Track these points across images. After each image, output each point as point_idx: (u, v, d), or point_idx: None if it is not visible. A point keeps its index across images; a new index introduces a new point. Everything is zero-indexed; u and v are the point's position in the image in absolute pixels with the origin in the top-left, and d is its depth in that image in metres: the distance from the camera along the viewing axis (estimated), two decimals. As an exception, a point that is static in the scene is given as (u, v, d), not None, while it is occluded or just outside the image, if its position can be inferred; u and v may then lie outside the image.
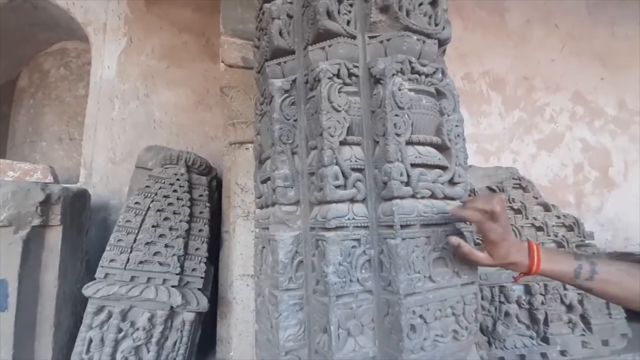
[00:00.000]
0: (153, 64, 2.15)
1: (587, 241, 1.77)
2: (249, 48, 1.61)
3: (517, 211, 1.70)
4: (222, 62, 1.60)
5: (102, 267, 1.42)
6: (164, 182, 1.55)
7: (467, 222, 0.75)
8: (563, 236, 1.71)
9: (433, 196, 0.75)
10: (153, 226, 1.47)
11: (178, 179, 1.57)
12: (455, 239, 0.70)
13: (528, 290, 1.59)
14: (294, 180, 0.82)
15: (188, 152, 1.68)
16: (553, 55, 2.73)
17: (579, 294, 1.60)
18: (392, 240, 0.69)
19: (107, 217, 1.95)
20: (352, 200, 0.75)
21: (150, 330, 1.38)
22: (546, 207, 1.80)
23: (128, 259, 1.42)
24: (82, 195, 1.66)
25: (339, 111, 0.74)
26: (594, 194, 2.60)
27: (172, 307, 1.41)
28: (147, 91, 2.13)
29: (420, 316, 0.68)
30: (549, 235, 1.72)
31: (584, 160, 2.64)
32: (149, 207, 1.49)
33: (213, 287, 1.75)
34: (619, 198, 2.61)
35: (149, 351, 1.38)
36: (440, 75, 0.81)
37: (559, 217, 1.79)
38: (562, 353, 1.52)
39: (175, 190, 1.54)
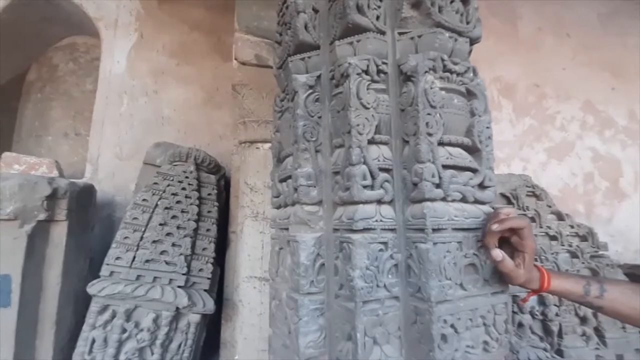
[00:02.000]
0: (163, 61, 2.13)
1: (600, 252, 1.74)
2: (263, 46, 1.59)
3: (531, 219, 1.67)
4: (235, 59, 1.57)
5: (108, 264, 1.38)
6: (172, 180, 1.52)
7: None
8: (577, 246, 1.68)
9: (464, 199, 0.71)
10: (160, 224, 1.43)
11: (187, 177, 1.53)
12: (498, 253, 0.65)
13: (542, 301, 1.55)
14: (317, 179, 0.78)
15: (197, 149, 1.65)
16: (564, 63, 2.71)
17: (593, 306, 1.56)
18: (423, 245, 0.65)
19: (112, 214, 1.91)
20: (379, 202, 0.71)
21: (155, 332, 1.34)
22: (560, 216, 1.76)
23: (134, 257, 1.39)
24: (88, 191, 1.62)
25: (367, 108, 0.72)
26: (604, 204, 2.56)
27: (177, 308, 1.37)
28: (157, 87, 2.11)
29: (452, 325, 0.64)
30: (563, 245, 1.68)
31: (594, 170, 2.61)
32: (156, 205, 1.46)
33: (218, 289, 1.71)
34: (630, 209, 2.58)
35: (152, 353, 1.34)
36: (471, 74, 0.78)
37: (572, 227, 1.75)
38: (576, 366, 1.48)
39: (183, 188, 1.51)
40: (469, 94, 0.78)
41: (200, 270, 1.49)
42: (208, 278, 1.50)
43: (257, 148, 1.66)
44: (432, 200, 0.67)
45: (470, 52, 0.89)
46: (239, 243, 1.66)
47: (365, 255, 0.67)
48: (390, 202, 0.73)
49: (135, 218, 1.44)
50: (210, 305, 1.44)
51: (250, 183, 1.65)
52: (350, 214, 0.69)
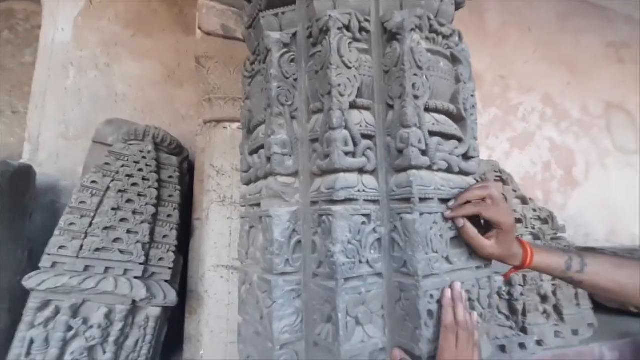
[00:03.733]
0: (116, 31, 1.91)
1: (559, 234, 1.83)
2: (230, 15, 1.46)
3: (499, 203, 1.70)
4: (199, 28, 1.44)
5: (49, 254, 1.21)
6: (127, 160, 1.36)
7: None
8: (540, 228, 1.75)
9: (449, 169, 0.67)
10: (113, 209, 1.28)
11: (144, 157, 1.38)
12: (460, 219, 0.63)
13: (508, 281, 1.60)
14: (293, 148, 0.71)
15: (156, 127, 1.50)
16: (526, 57, 2.82)
17: (553, 284, 1.64)
18: (409, 216, 0.60)
19: (57, 200, 1.70)
20: (361, 171, 0.65)
21: (107, 328, 1.20)
22: (524, 200, 1.83)
23: (82, 246, 1.23)
24: (25, 173, 1.42)
25: (349, 68, 0.65)
26: (559, 191, 2.72)
27: (134, 302, 1.23)
28: (109, 60, 1.89)
29: (438, 301, 0.60)
30: (527, 228, 1.74)
31: (551, 159, 2.76)
32: (108, 187, 1.30)
33: (182, 280, 1.58)
34: (581, 197, 2.76)
35: (105, 352, 1.20)
36: (456, 39, 0.74)
37: (535, 210, 1.82)
38: (539, 343, 1.54)
39: (140, 170, 1.36)
40: (454, 60, 0.73)
41: (161, 259, 1.35)
42: (169, 268, 1.36)
43: (224, 128, 1.54)
44: (419, 168, 0.62)
45: (454, 16, 0.85)
46: (204, 230, 1.54)
47: (347, 228, 0.61)
48: (373, 172, 0.67)
49: (82, 202, 1.27)
50: (172, 297, 1.32)
51: (217, 165, 1.53)
52: (331, 183, 0.63)
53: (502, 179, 1.82)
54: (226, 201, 1.51)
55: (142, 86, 1.91)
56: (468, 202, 0.62)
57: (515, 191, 1.82)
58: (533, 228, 1.74)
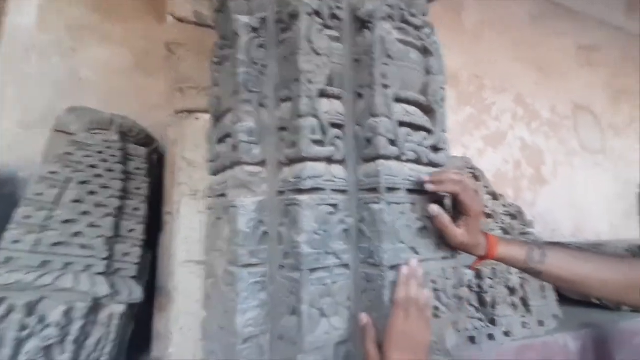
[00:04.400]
0: (83, 15, 1.80)
1: (528, 230, 1.90)
2: (203, 2, 1.41)
3: (471, 198, 1.74)
4: (171, 14, 1.37)
5: (2, 249, 1.13)
6: (90, 150, 1.28)
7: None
8: (509, 223, 1.80)
9: (418, 160, 0.67)
10: (74, 201, 1.21)
11: (109, 147, 1.31)
12: (435, 207, 0.63)
13: (478, 274, 1.64)
14: (261, 136, 0.68)
15: (123, 117, 1.43)
16: (500, 57, 2.90)
17: (520, 277, 1.69)
18: (377, 205, 0.60)
19: (15, 192, 1.59)
20: (329, 160, 0.64)
21: (67, 327, 1.14)
22: (494, 196, 1.88)
23: (38, 240, 1.15)
24: (-23, 162, 1.32)
25: (319, 55, 0.63)
26: (529, 189, 2.82)
27: (96, 299, 1.17)
28: (74, 45, 1.77)
29: (403, 291, 0.59)
30: (497, 222, 1.80)
31: (522, 158, 2.85)
32: (69, 179, 1.23)
33: (151, 276, 1.52)
34: (549, 194, 2.88)
35: (63, 352, 1.13)
36: (428, 30, 0.74)
37: (504, 206, 1.88)
38: (506, 334, 1.59)
39: (104, 160, 1.29)
40: (425, 52, 0.73)
41: (126, 254, 1.29)
42: (136, 263, 1.31)
43: (196, 119, 1.49)
44: (387, 158, 0.61)
45: (427, 10, 0.85)
46: (174, 225, 1.49)
47: (313, 218, 0.59)
48: (342, 162, 0.66)
49: (40, 194, 1.19)
50: (137, 294, 1.26)
51: (189, 157, 1.48)
52: (297, 172, 0.61)
53: (474, 175, 1.86)
54: (198, 195, 1.46)
55: (110, 74, 1.81)
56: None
57: (486, 187, 1.87)
58: (503, 223, 1.79)
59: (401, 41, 0.68)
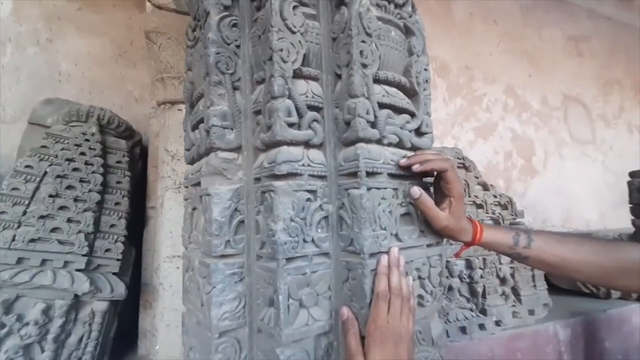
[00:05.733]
0: (60, 4, 1.73)
1: (518, 219, 1.89)
2: (183, -12, 1.36)
3: (461, 189, 1.73)
4: (149, 1, 1.32)
5: (-25, 247, 1.08)
6: (67, 143, 1.24)
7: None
8: (500, 214, 1.80)
9: (400, 144, 0.64)
10: (51, 195, 1.16)
11: (87, 140, 1.26)
12: (416, 189, 0.60)
13: (469, 265, 1.63)
14: (235, 120, 0.65)
15: (102, 108, 1.38)
16: (491, 49, 2.88)
17: (511, 267, 1.69)
18: (356, 191, 0.57)
19: (-9, 189, 1.54)
20: (307, 145, 0.61)
21: (46, 325, 1.10)
22: (485, 187, 1.87)
23: (14, 237, 1.11)
24: (-52, 157, 1.26)
25: (293, 32, 0.60)
26: (520, 180, 2.83)
27: (76, 296, 1.14)
28: (51, 36, 1.71)
29: (386, 279, 0.57)
30: (487, 213, 1.79)
31: (513, 149, 2.85)
32: (45, 173, 1.18)
33: (135, 273, 1.48)
34: (539, 185, 2.88)
35: (43, 350, 1.10)
36: (410, 9, 0.71)
37: (495, 197, 1.87)
38: (497, 323, 1.59)
39: (83, 153, 1.24)
40: (407, 32, 0.70)
41: (108, 250, 1.25)
42: (118, 259, 1.27)
43: (179, 110, 1.45)
44: (367, 141, 0.59)
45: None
46: (159, 219, 1.45)
47: (289, 204, 0.56)
48: (321, 146, 0.63)
49: (15, 188, 1.15)
50: (120, 290, 1.23)
51: (172, 150, 1.44)
52: (272, 156, 0.58)
53: (465, 165, 1.84)
54: (182, 188, 1.43)
55: (90, 65, 1.75)
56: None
57: (477, 177, 1.85)
58: (493, 213, 1.79)
59: (381, 18, 0.64)
